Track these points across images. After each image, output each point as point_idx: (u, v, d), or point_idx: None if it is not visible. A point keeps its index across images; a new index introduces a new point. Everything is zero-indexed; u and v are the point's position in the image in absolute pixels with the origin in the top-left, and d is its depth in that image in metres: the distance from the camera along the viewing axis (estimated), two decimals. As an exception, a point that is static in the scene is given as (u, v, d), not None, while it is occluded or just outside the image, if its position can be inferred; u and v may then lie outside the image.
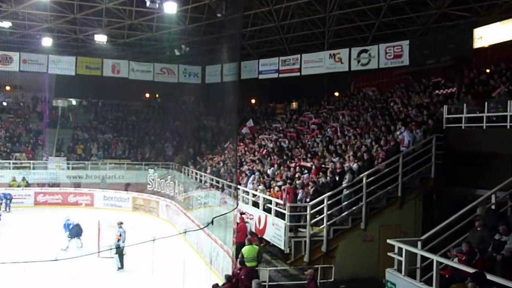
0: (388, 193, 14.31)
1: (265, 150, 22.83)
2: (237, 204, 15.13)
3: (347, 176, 14.06)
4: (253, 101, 38.50)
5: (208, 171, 24.18)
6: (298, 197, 14.65)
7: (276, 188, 16.02)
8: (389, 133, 16.14)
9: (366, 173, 13.95)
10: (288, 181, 15.54)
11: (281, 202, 14.70)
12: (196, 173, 25.70)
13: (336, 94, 32.54)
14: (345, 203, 13.97)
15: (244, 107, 35.92)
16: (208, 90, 33.45)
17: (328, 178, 14.62)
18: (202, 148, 31.82)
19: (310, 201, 14.22)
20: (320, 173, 15.30)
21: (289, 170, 17.45)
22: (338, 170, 14.67)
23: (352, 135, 17.90)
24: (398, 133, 15.29)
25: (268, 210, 15.64)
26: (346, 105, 24.63)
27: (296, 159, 18.68)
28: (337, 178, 14.43)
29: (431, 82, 20.94)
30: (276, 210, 14.95)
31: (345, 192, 14.02)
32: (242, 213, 16.50)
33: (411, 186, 14.45)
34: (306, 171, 16.53)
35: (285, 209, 14.12)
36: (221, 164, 24.17)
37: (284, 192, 14.83)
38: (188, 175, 26.99)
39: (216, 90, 32.02)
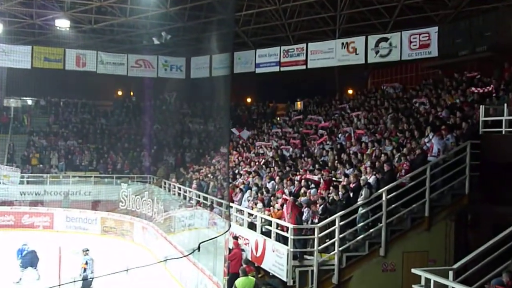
0: (413, 213, 14.41)
1: (263, 160, 22.91)
2: (230, 226, 15.16)
3: (363, 192, 14.16)
4: (248, 100, 38.68)
5: (194, 185, 24.25)
6: (304, 217, 14.73)
7: (277, 206, 16.11)
8: (414, 140, 16.29)
9: (386, 187, 14.06)
10: (291, 197, 15.62)
11: (284, 223, 14.81)
12: (179, 188, 25.75)
13: (350, 91, 32.78)
14: (361, 224, 14.06)
15: (238, 107, 36.09)
16: (194, 87, 33.58)
17: (340, 194, 14.72)
18: (187, 158, 31.90)
19: (319, 221, 14.31)
20: (331, 188, 15.42)
21: (293, 184, 17.54)
22: (352, 185, 14.77)
23: (369, 142, 18.03)
24: (426, 139, 15.43)
25: (267, 234, 15.69)
26: (362, 105, 24.81)
27: (301, 170, 18.78)
28: (351, 194, 14.52)
29: (464, 77, 21.12)
30: (277, 234, 15.03)
31: (361, 211, 14.12)
32: (235, 237, 16.58)
33: (441, 204, 14.58)
34: (313, 185, 16.64)
35: (287, 232, 14.22)
36: (210, 177, 24.25)
37: (287, 206, 14.92)
38: (169, 190, 27.02)
39: (203, 87, 32.16)
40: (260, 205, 17.18)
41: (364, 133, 19.52)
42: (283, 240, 14.61)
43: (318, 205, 14.95)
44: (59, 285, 15.70)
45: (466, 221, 14.91)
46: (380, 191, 14.14)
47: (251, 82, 35.30)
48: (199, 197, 22.67)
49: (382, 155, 15.78)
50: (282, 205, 15.89)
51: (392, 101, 22.85)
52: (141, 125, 34.42)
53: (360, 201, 14.17)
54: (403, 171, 14.77)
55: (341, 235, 13.83)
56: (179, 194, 25.48)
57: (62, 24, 29.08)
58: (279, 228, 15.12)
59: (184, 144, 33.41)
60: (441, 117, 17.31)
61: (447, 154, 14.65)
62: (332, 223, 13.95)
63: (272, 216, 15.85)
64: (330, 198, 14.93)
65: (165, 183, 28.00)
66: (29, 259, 18.15)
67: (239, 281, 12.63)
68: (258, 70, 30.67)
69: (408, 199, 14.19)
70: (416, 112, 19.61)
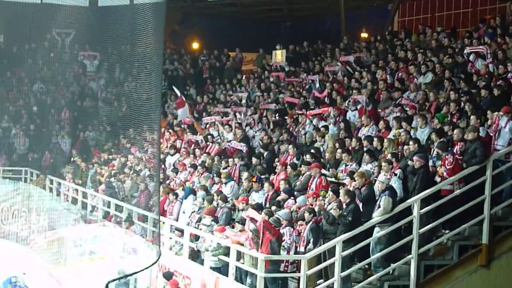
0: (463, 238, 14.53)
1: (216, 147, 22.77)
2: (159, 255, 15.06)
3: (381, 202, 14.20)
4: (195, 45, 38.43)
5: (102, 186, 24.05)
6: (284, 243, 14.71)
7: (238, 226, 16.08)
8: (466, 117, 16.34)
9: (419, 196, 14.11)
10: (265, 210, 15.55)
11: (250, 253, 14.77)
12: (76, 191, 25.51)
13: (364, 35, 32.76)
14: (378, 255, 14.11)
15: (178, 57, 35.81)
16: (103, 22, 33.12)
17: (344, 204, 14.70)
18: (89, 140, 31.52)
19: (307, 250, 14.29)
20: (328, 194, 15.38)
21: (263, 187, 17.52)
22: (363, 188, 14.79)
23: (393, 120, 18.02)
24: (489, 122, 15.46)
25: (221, 269, 15.75)
26: (382, 57, 24.82)
27: (279, 165, 18.72)
28: (360, 205, 14.54)
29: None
30: (238, 269, 15.06)
31: (378, 232, 14.16)
32: (169, 275, 16.58)
33: (509, 225, 14.72)
34: (298, 189, 16.67)
35: (256, 266, 14.16)
36: (128, 173, 24.05)
37: (254, 226, 14.87)
38: (58, 194, 26.72)
39: (119, 22, 31.70)
40: (209, 220, 17.10)
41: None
42: (248, 279, 14.65)
43: (306, 222, 14.90)
44: None
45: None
46: (409, 201, 14.18)
47: (200, 17, 34.99)
48: (109, 207, 22.45)
49: (412, 142, 15.72)
50: (244, 223, 15.85)
51: (432, 52, 22.90)
52: (12, 84, 33.84)
53: (376, 216, 14.17)
54: (445, 168, 14.80)
55: (343, 273, 13.83)
56: (75, 200, 25.20)
57: None
58: (241, 260, 15.06)
59: (85, 118, 32.96)
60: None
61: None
62: (330, 252, 13.91)
63: (229, 240, 15.78)
64: (328, 211, 14.87)
65: (52, 182, 27.65)
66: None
67: None
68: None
69: (454, 216, 14.23)
70: (466, 73, 19.60)
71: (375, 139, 17.29)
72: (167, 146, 25.11)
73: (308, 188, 16.44)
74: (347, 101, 21.23)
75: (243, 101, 27.04)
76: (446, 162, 14.79)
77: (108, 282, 12.31)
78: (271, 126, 22.62)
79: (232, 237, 15.54)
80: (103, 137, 31.59)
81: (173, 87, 28.87)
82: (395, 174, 14.95)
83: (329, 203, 15.09)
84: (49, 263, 21.63)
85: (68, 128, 32.04)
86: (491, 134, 15.27)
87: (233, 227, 16.44)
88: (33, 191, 26.83)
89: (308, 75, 26.54)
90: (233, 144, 21.85)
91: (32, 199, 25.97)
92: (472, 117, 15.74)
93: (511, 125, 14.92)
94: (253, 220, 15.37)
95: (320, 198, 15.48)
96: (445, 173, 14.69)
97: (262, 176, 18.30)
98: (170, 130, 26.88)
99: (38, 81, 34.12)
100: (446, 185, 14.48)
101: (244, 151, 20.85)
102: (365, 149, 17.05)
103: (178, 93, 27.92)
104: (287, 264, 14.46)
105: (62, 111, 32.72)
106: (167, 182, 21.66)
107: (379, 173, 15.16)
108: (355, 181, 15.14)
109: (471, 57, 20.27)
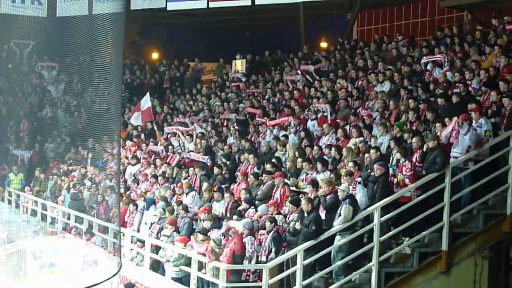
0: (423, 245, 14.63)
1: (177, 157, 22.71)
2: (120, 266, 14.99)
3: (342, 210, 14.23)
4: (155, 55, 38.32)
5: (61, 197, 23.85)
6: (247, 252, 14.73)
7: (200, 236, 16.01)
8: (424, 124, 16.45)
9: (379, 203, 14.19)
10: (225, 220, 15.54)
11: (212, 263, 14.74)
12: (35, 203, 25.31)
13: (324, 45, 32.91)
14: (339, 263, 14.14)
15: (137, 67, 35.68)
16: (61, 33, 32.83)
17: (305, 214, 14.70)
18: (48, 151, 31.24)
19: (269, 259, 14.32)
20: (288, 204, 15.41)
21: (224, 197, 17.50)
22: (328, 196, 14.77)
23: (353, 129, 18.09)
24: (445, 130, 15.55)
25: (183, 279, 15.67)
26: (341, 66, 24.92)
27: (240, 174, 18.75)
28: (322, 214, 14.56)
29: (507, 26, 21.45)
30: (199, 280, 15.02)
31: (339, 241, 14.20)
32: (130, 286, 16.51)
33: (467, 231, 14.84)
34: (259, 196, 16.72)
35: (218, 276, 14.12)
36: (88, 185, 23.88)
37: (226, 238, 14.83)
38: (18, 206, 26.48)
39: (78, 33, 31.46)
40: (169, 230, 17.07)
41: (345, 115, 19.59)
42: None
43: (267, 231, 14.92)
44: None
45: (508, 258, 15.17)
46: (369, 208, 14.24)
47: (160, 27, 34.86)
48: (69, 218, 22.28)
49: (372, 150, 15.79)
50: (205, 234, 15.84)
51: (391, 61, 23.02)
52: (-31, 96, 33.47)
53: (337, 225, 14.21)
54: (405, 176, 14.88)
55: (305, 282, 13.87)
56: (34, 211, 24.99)
57: None
58: (203, 270, 15.07)
59: (43, 128, 32.66)
60: (469, 90, 17.53)
61: (478, 150, 14.87)
62: (292, 261, 13.96)
63: (190, 250, 15.73)
64: (289, 220, 14.89)
65: (10, 194, 27.36)
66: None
67: None
68: (172, 6, 30.48)
69: (414, 224, 14.33)
70: (424, 81, 19.69)
71: (333, 148, 17.38)
72: (127, 157, 25.01)
73: (272, 197, 16.39)
74: (306, 110, 21.32)
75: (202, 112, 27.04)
76: (404, 169, 14.83)
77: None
78: (232, 136, 22.63)
79: (197, 249, 15.46)
80: (62, 148, 31.32)
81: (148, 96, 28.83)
82: (359, 183, 15.00)
83: (290, 213, 15.11)
84: (8, 276, 21.38)
85: (27, 139, 31.72)
86: (451, 141, 15.35)
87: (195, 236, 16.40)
88: (-9, 204, 26.56)
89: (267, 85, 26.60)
90: (193, 156, 21.72)
91: (-10, 211, 25.69)
92: (437, 124, 15.75)
93: (471, 133, 14.94)
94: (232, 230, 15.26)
95: (286, 209, 15.53)
96: (407, 180, 14.75)
97: (223, 186, 18.33)
98: (133, 140, 26.76)
99: (-5, 94, 33.75)
100: (406, 192, 14.58)
101: (208, 164, 20.72)
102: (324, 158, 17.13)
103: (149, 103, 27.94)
104: (248, 273, 14.46)
105: (20, 123, 32.39)
106: (128, 192, 21.57)
107: (336, 181, 15.20)
108: (317, 189, 15.16)
109: (429, 66, 20.43)
